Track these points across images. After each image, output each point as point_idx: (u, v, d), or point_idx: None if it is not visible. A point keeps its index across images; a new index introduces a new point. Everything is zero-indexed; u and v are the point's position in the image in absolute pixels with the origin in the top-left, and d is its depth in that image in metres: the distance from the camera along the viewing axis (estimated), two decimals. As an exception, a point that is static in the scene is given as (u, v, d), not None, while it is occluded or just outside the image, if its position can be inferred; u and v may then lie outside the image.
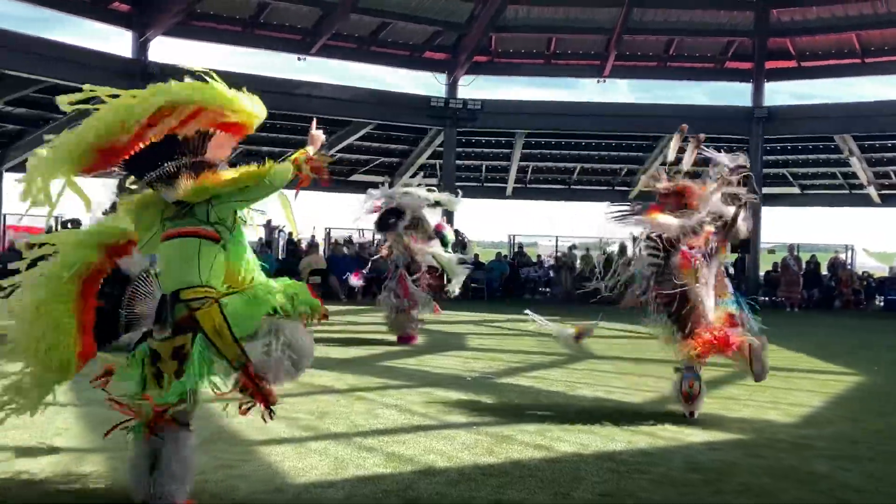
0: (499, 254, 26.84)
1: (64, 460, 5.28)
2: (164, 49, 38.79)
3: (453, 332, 14.09)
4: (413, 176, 29.25)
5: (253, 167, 4.35)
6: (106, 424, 6.17)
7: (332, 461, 5.44)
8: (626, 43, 25.34)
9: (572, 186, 30.16)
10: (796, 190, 28.85)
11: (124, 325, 4.66)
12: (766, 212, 26.45)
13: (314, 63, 25.39)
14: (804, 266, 23.68)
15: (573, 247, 27.24)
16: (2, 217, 23.19)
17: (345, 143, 25.93)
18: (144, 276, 4.73)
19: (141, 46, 21.23)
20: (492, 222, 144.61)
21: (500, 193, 30.23)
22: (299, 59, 23.64)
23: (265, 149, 26.30)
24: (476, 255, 26.76)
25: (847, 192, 28.60)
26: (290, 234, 26.60)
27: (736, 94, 47.44)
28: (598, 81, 26.19)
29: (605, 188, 29.92)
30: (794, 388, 8.93)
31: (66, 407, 6.95)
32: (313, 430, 6.30)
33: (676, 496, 4.89)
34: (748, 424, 6.95)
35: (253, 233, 4.87)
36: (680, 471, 5.43)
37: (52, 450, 5.54)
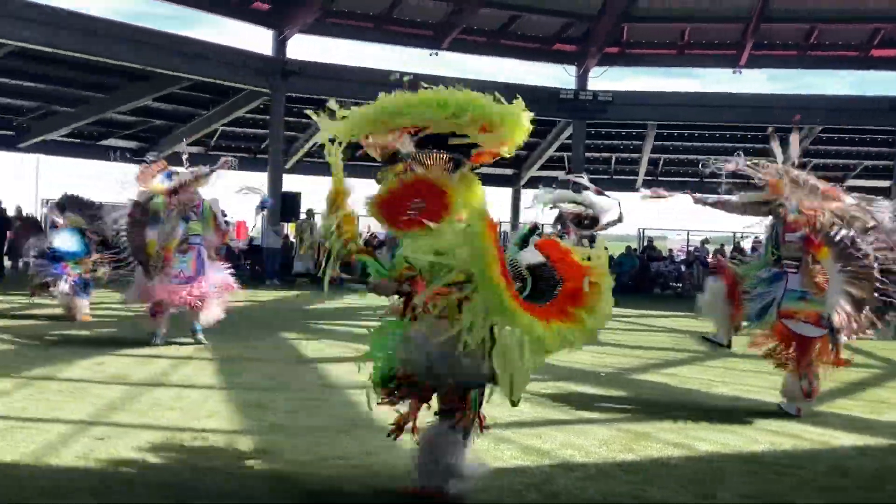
0: (628, 247, 26.43)
1: (216, 441, 5.53)
2: (300, 46, 39.84)
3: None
4: (541, 169, 29.25)
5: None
6: (254, 408, 6.49)
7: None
8: (764, 31, 24.48)
9: (704, 179, 29.38)
10: (947, 183, 27.24)
11: None
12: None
13: (446, 58, 25.66)
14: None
15: (705, 241, 26.60)
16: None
17: (473, 137, 26.07)
18: None
19: (280, 44, 21.96)
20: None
21: (629, 186, 29.76)
22: (431, 54, 23.94)
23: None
24: (605, 249, 26.50)
25: None
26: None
27: (881, 83, 45.20)
28: (734, 72, 25.43)
29: (739, 181, 29.03)
30: (950, 394, 8.47)
31: (213, 390, 7.31)
32: (450, 421, 6.40)
33: (824, 500, 4.74)
34: (901, 430, 6.65)
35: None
36: (827, 475, 5.25)
37: (203, 431, 5.80)
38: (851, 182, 28.39)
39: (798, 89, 33.41)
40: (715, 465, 5.40)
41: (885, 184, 26.08)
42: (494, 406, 6.91)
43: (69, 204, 11.80)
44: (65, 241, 11.47)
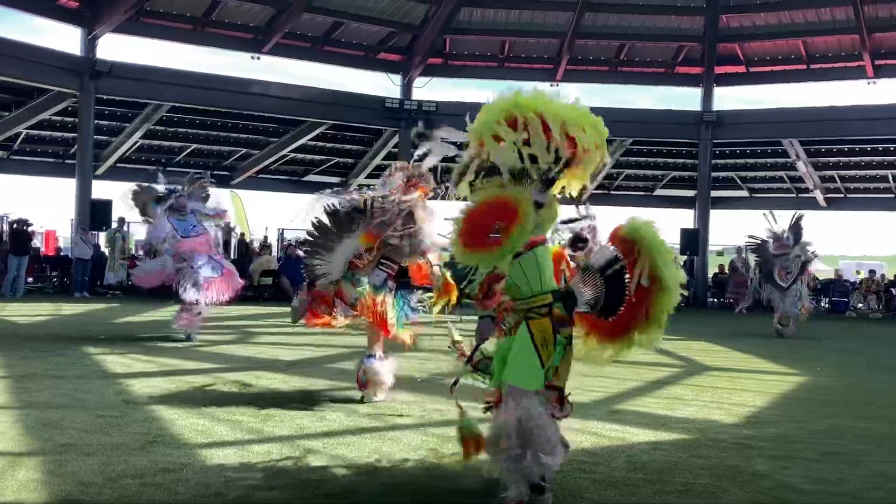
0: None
1: (-1, 464, 5.13)
2: (113, 46, 38.00)
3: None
4: (368, 177, 29.13)
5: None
6: (46, 427, 6.07)
7: (275, 464, 5.37)
8: (579, 47, 25.57)
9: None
10: (745, 193, 29.25)
11: None
12: (715, 214, 26.86)
13: (269, 63, 25.17)
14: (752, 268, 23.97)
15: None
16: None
17: (298, 143, 25.76)
18: None
19: (89, 43, 20.87)
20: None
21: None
22: (253, 57, 23.45)
23: (215, 148, 26.10)
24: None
25: (794, 195, 28.99)
26: (242, 234, 26.34)
27: (685, 99, 48.06)
28: (552, 85, 26.32)
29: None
30: (739, 388, 9.06)
31: (2, 409, 6.80)
32: (257, 433, 6.23)
33: (618, 497, 4.91)
34: (692, 424, 7.03)
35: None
36: (623, 471, 5.46)
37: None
38: (660, 192, 30.05)
39: (609, 104, 34.90)
40: (517, 466, 5.48)
41: (691, 193, 27.73)
42: (305, 417, 6.82)
43: None
44: None
